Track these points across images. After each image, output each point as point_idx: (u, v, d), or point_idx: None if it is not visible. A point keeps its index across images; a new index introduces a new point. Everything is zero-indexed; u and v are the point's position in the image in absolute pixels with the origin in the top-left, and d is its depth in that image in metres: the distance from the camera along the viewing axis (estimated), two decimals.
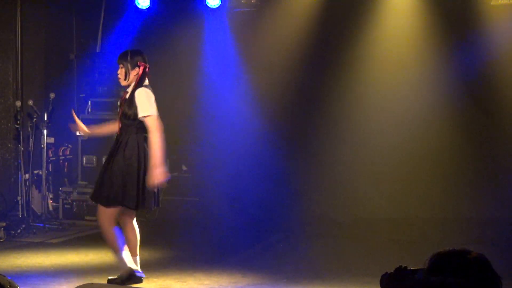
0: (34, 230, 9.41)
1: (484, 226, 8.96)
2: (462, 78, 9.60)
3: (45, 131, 9.78)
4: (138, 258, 6.83)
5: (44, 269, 7.67)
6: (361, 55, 9.96)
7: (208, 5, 10.27)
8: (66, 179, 10.75)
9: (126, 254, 6.71)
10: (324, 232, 9.31)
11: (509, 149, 9.40)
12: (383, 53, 9.91)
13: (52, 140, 10.10)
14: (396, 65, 9.82)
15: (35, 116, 9.64)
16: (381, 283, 2.56)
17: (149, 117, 6.56)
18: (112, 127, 6.94)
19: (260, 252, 8.52)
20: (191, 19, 10.56)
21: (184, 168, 11.05)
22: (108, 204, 6.60)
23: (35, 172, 9.96)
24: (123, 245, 6.70)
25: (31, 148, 9.67)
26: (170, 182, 10.79)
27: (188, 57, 10.65)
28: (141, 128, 6.58)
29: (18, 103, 9.73)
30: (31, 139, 9.67)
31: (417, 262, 2.68)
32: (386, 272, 2.56)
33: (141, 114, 6.55)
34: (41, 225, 9.59)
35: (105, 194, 6.59)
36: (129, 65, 6.60)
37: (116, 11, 10.88)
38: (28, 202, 9.68)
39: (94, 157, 10.68)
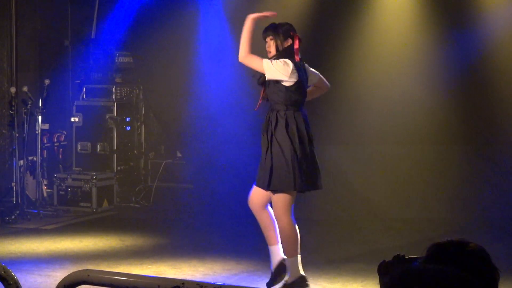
0: (29, 216, 9.41)
1: (481, 226, 8.93)
2: (457, 69, 9.60)
3: (39, 117, 9.76)
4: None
5: (38, 255, 7.68)
6: (356, 45, 9.94)
7: None
8: (60, 166, 10.76)
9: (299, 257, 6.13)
10: (320, 220, 9.32)
11: (508, 146, 9.41)
12: (378, 44, 9.89)
13: (46, 126, 10.09)
14: (391, 57, 9.80)
15: (29, 103, 9.62)
16: (378, 270, 2.58)
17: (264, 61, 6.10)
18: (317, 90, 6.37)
19: (255, 239, 8.52)
20: (187, 6, 10.53)
21: (178, 154, 11.05)
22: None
23: (30, 158, 9.95)
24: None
25: (25, 135, 9.65)
26: (165, 169, 10.87)
27: (184, 45, 10.63)
28: (291, 104, 6.03)
29: (13, 90, 9.70)
30: (25, 125, 9.65)
31: (413, 252, 2.69)
32: (384, 260, 2.58)
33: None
34: (36, 211, 9.59)
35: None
36: (281, 36, 6.12)
37: None
38: (22, 188, 9.67)
39: (89, 143, 10.69)
